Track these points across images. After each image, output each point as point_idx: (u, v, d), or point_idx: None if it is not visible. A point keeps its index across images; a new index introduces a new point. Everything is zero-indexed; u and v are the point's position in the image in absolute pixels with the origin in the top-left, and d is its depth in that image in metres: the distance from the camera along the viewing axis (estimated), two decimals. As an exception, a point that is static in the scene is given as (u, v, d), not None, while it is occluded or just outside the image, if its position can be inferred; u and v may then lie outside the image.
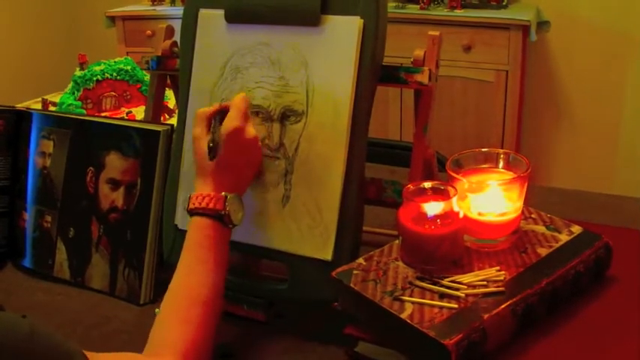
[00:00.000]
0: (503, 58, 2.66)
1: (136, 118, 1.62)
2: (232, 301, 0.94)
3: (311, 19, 0.90)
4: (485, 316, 0.70)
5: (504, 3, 2.72)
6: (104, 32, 3.33)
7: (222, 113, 0.87)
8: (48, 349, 0.62)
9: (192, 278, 0.81)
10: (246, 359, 0.88)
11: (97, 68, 1.77)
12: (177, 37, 1.05)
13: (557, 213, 0.90)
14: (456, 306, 0.72)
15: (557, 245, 0.82)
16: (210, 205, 0.83)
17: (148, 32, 3.07)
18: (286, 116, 0.91)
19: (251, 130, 0.86)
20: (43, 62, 3.68)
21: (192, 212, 0.84)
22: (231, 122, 0.85)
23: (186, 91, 0.98)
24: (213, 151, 0.83)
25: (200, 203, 0.84)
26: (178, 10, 3.05)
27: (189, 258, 0.83)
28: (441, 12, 2.72)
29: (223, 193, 0.84)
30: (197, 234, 0.83)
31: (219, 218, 0.83)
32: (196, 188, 0.86)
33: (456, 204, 0.79)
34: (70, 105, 1.71)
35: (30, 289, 1.07)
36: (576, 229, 0.85)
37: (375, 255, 0.83)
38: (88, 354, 0.66)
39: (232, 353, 0.87)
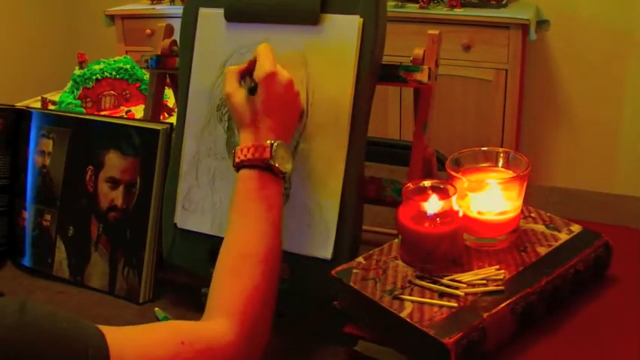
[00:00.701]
0: (502, 57, 2.66)
1: (136, 117, 1.62)
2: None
3: (311, 18, 0.90)
4: (485, 315, 0.70)
5: (504, 2, 2.72)
6: (103, 31, 3.33)
7: (250, 71, 0.86)
8: (42, 327, 0.59)
9: (241, 233, 0.77)
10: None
11: (97, 67, 1.76)
12: (176, 36, 1.05)
13: (556, 212, 0.90)
14: (455, 305, 0.72)
15: (556, 244, 0.82)
16: (257, 155, 0.80)
17: (148, 31, 3.07)
18: (286, 115, 0.91)
19: (284, 73, 0.84)
20: (43, 61, 3.68)
21: (238, 166, 0.81)
22: (262, 68, 0.82)
23: (185, 90, 0.98)
24: (254, 89, 0.82)
25: (245, 155, 0.81)
26: (178, 9, 3.04)
27: (236, 213, 0.79)
28: (440, 11, 2.72)
29: (268, 141, 0.81)
30: (244, 187, 0.80)
31: (268, 168, 0.80)
32: (241, 142, 0.83)
33: (455, 203, 0.79)
34: (69, 104, 1.71)
35: (29, 287, 1.07)
36: (576, 228, 0.85)
37: (374, 254, 0.83)
38: (110, 329, 0.63)
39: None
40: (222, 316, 0.70)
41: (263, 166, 0.80)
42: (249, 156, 0.81)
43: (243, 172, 0.81)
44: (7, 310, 0.59)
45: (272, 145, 0.80)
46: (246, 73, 0.86)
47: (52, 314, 0.62)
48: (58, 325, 0.61)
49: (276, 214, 0.80)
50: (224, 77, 0.87)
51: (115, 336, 0.62)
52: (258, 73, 0.83)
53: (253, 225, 0.78)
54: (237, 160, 0.82)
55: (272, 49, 0.85)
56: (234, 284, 0.73)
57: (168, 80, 1.14)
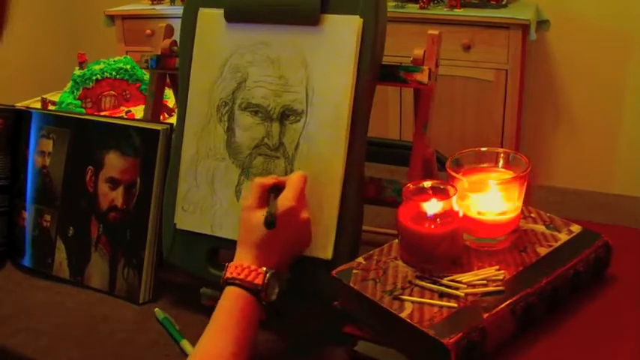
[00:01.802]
0: (502, 58, 2.65)
1: (136, 117, 1.62)
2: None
3: (311, 19, 0.90)
4: (485, 315, 0.70)
5: (504, 2, 2.72)
6: (103, 31, 3.33)
7: (277, 189, 0.85)
8: None
9: (214, 348, 0.77)
10: (246, 358, 0.87)
11: (97, 67, 1.76)
12: (176, 36, 1.05)
13: (556, 212, 0.90)
14: (455, 305, 0.72)
15: (556, 244, 0.82)
16: (249, 278, 0.80)
17: (148, 31, 3.07)
18: (286, 115, 0.91)
19: (305, 213, 0.84)
20: (43, 61, 3.68)
21: (227, 281, 0.81)
22: (287, 201, 0.82)
23: (185, 90, 0.98)
24: (272, 222, 0.81)
25: (239, 274, 0.80)
26: (178, 9, 3.04)
27: (215, 326, 0.79)
28: (440, 11, 2.72)
29: (264, 269, 0.81)
30: (229, 304, 0.80)
31: (255, 293, 0.80)
32: (236, 257, 0.83)
33: (455, 203, 0.79)
34: (69, 104, 1.71)
35: (29, 288, 1.07)
36: (576, 229, 0.85)
37: (374, 254, 0.83)
38: None
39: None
40: None
41: (252, 289, 0.80)
42: (241, 276, 0.80)
43: (230, 289, 0.81)
44: None
45: (266, 273, 0.81)
46: (272, 191, 0.85)
47: None
48: None
49: (251, 332, 0.79)
50: (250, 189, 0.86)
51: None
52: (282, 203, 0.82)
53: (227, 343, 0.77)
54: (228, 275, 0.81)
55: (303, 183, 0.85)
56: None
57: (168, 80, 1.14)
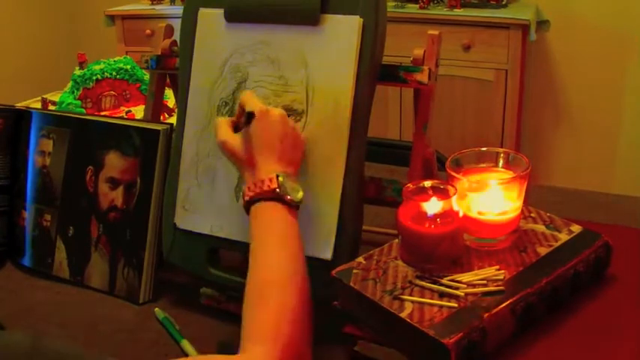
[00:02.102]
0: (502, 58, 2.66)
1: (136, 118, 1.62)
2: (238, 302, 0.94)
3: (311, 19, 0.90)
4: (485, 315, 0.70)
5: (504, 2, 2.72)
6: (103, 31, 3.33)
7: (239, 118, 0.87)
8: None
9: (261, 263, 0.76)
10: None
11: (97, 67, 1.76)
12: (176, 36, 1.05)
13: (556, 212, 0.90)
14: (455, 305, 0.72)
15: (556, 244, 0.82)
16: (265, 188, 0.79)
17: (148, 31, 3.07)
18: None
19: (275, 110, 0.85)
20: (43, 61, 3.68)
21: (248, 204, 0.80)
22: (251, 108, 0.84)
23: (185, 90, 0.98)
24: (251, 114, 0.82)
25: (253, 191, 0.80)
26: (178, 9, 3.04)
27: (254, 246, 0.77)
28: (440, 11, 2.72)
29: (273, 173, 0.80)
30: (257, 221, 0.79)
31: (277, 199, 0.79)
32: (245, 182, 0.83)
33: (455, 203, 0.79)
34: (69, 104, 1.71)
35: (29, 287, 1.07)
36: (576, 229, 0.85)
37: (374, 254, 0.83)
38: None
39: (234, 353, 0.86)
40: (256, 344, 0.69)
41: (272, 197, 0.79)
42: (256, 190, 0.79)
43: (254, 208, 0.80)
44: (20, 344, 0.59)
45: (277, 176, 0.80)
46: (237, 121, 0.87)
47: (63, 353, 0.62)
48: None
49: (295, 239, 0.78)
50: (215, 126, 0.88)
51: None
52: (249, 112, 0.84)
53: (272, 253, 0.76)
54: (246, 198, 0.80)
55: (254, 93, 0.87)
56: (262, 312, 0.72)
57: (168, 80, 1.14)
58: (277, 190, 0.79)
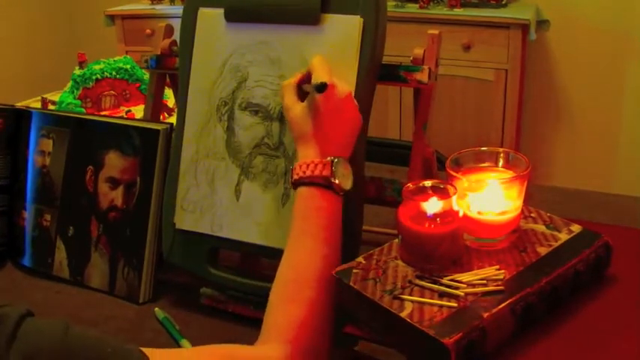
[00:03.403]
0: (502, 57, 2.66)
1: (136, 117, 1.62)
2: (238, 302, 0.94)
3: (311, 18, 0.90)
4: (485, 315, 0.70)
5: (504, 2, 2.72)
6: (103, 31, 3.33)
7: (305, 82, 0.84)
8: (86, 349, 0.60)
9: (299, 255, 0.75)
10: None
11: (97, 67, 1.76)
12: (176, 36, 1.05)
13: (556, 212, 0.90)
14: (455, 305, 0.72)
15: (556, 244, 0.82)
16: (316, 172, 0.77)
17: (148, 31, 3.07)
18: (286, 115, 0.91)
19: (343, 85, 0.82)
20: (43, 61, 3.68)
21: (296, 183, 0.78)
22: (321, 78, 0.80)
23: (185, 90, 0.98)
24: (323, 84, 0.78)
25: (305, 172, 0.78)
26: (178, 9, 3.04)
27: (296, 233, 0.76)
28: (440, 11, 2.72)
29: (329, 158, 0.78)
30: (303, 206, 0.77)
31: (328, 185, 0.77)
32: (299, 157, 0.80)
33: (455, 203, 0.79)
34: (69, 104, 1.71)
35: (29, 287, 1.07)
36: (576, 228, 0.85)
37: (374, 254, 0.83)
38: (156, 352, 0.63)
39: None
40: (277, 341, 0.69)
41: (323, 183, 0.77)
42: (308, 173, 0.78)
43: (302, 189, 0.78)
44: (53, 328, 0.60)
45: (332, 161, 0.78)
46: (302, 84, 0.84)
47: (97, 338, 0.63)
48: (103, 348, 0.62)
49: (335, 232, 0.77)
50: (281, 91, 0.85)
51: (162, 358, 0.62)
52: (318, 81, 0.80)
53: (311, 246, 0.75)
54: (295, 176, 0.79)
55: (327, 62, 0.83)
56: (289, 308, 0.71)
57: (168, 80, 1.14)
58: (329, 177, 0.77)
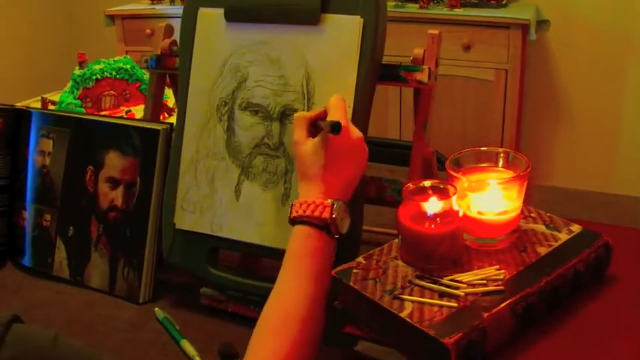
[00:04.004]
0: (502, 57, 2.65)
1: (136, 117, 1.62)
2: (238, 302, 0.94)
3: (311, 18, 0.90)
4: (485, 314, 0.70)
5: (504, 2, 2.72)
6: (103, 31, 3.33)
7: (322, 118, 0.83)
8: (73, 356, 0.61)
9: (289, 292, 0.75)
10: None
11: (97, 67, 1.76)
12: (176, 36, 1.05)
13: (556, 212, 0.90)
14: (455, 305, 0.72)
15: (556, 244, 0.82)
16: (316, 213, 0.77)
17: (148, 31, 3.07)
18: (286, 115, 0.91)
19: (356, 130, 0.82)
20: (43, 61, 3.68)
21: (295, 220, 0.79)
22: (337, 117, 0.80)
23: (185, 90, 0.98)
24: (338, 126, 0.77)
25: (305, 211, 0.78)
26: (178, 9, 3.04)
27: (288, 269, 0.77)
28: (440, 11, 2.72)
29: (330, 200, 0.78)
30: (299, 244, 0.77)
31: (325, 227, 0.77)
32: (300, 194, 0.80)
33: (455, 203, 0.79)
34: (69, 104, 1.71)
35: (29, 287, 1.07)
36: (576, 228, 0.85)
37: (374, 254, 0.83)
38: None
39: (236, 353, 0.86)
40: None
41: (320, 224, 0.77)
42: (308, 212, 0.78)
43: (299, 228, 0.78)
44: (43, 335, 0.61)
45: (333, 205, 0.78)
46: (317, 119, 0.83)
47: (86, 351, 0.63)
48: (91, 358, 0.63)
49: (327, 274, 0.77)
50: (293, 123, 0.83)
51: None
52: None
53: (302, 286, 0.75)
54: (294, 214, 0.79)
55: (345, 103, 0.83)
56: (275, 343, 0.71)
57: (168, 80, 1.14)
58: (328, 220, 0.77)
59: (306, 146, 0.81)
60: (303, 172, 0.81)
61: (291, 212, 0.80)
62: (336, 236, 0.79)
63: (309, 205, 0.78)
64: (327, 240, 0.78)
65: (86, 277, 1.06)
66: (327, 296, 0.77)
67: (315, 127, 0.83)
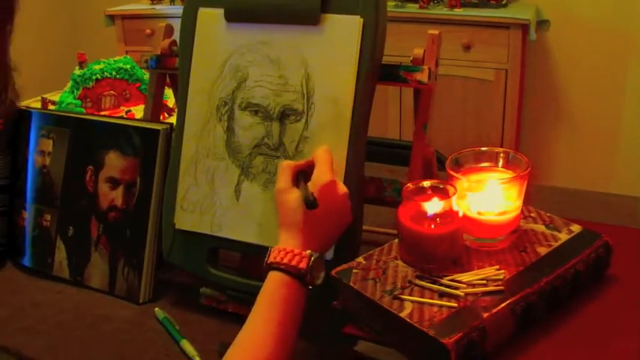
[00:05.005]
0: (502, 57, 2.66)
1: (136, 117, 1.62)
2: (238, 302, 0.94)
3: (311, 18, 0.90)
4: (485, 315, 0.70)
5: (504, 2, 2.72)
6: (103, 31, 3.33)
7: (307, 169, 0.84)
8: None
9: (258, 338, 0.75)
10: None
11: (97, 67, 1.76)
12: (176, 36, 1.05)
13: (556, 212, 0.90)
14: (455, 305, 0.72)
15: (556, 244, 0.82)
16: (293, 263, 0.78)
17: (148, 31, 3.07)
18: (286, 115, 0.91)
19: (342, 187, 0.83)
20: (43, 61, 3.67)
21: (270, 266, 0.79)
22: (324, 176, 0.81)
23: (185, 90, 0.98)
24: (314, 202, 0.78)
25: (282, 259, 0.78)
26: (178, 9, 3.04)
27: (259, 314, 0.77)
28: (440, 11, 2.72)
29: (308, 252, 0.79)
30: (272, 291, 0.78)
31: (300, 277, 0.78)
32: (280, 241, 0.81)
33: (455, 203, 0.79)
34: (69, 104, 1.71)
35: (29, 287, 1.07)
36: (576, 228, 0.85)
37: (374, 254, 0.83)
38: None
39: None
40: None
41: (295, 273, 0.78)
42: (285, 261, 0.78)
43: (274, 274, 0.78)
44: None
45: (311, 256, 0.78)
46: (301, 173, 0.83)
47: None
48: None
49: (296, 322, 0.78)
50: (278, 172, 0.84)
51: None
52: (317, 180, 0.81)
53: (272, 332, 0.75)
54: (271, 259, 0.79)
55: (331, 157, 0.84)
56: None
57: (168, 80, 1.14)
58: (304, 271, 0.78)
59: (290, 196, 0.81)
60: (283, 220, 0.82)
61: (268, 257, 0.80)
62: (310, 287, 0.79)
63: (287, 253, 0.79)
64: (300, 289, 0.78)
65: (86, 277, 1.06)
66: (296, 346, 0.77)
67: (299, 177, 0.84)
